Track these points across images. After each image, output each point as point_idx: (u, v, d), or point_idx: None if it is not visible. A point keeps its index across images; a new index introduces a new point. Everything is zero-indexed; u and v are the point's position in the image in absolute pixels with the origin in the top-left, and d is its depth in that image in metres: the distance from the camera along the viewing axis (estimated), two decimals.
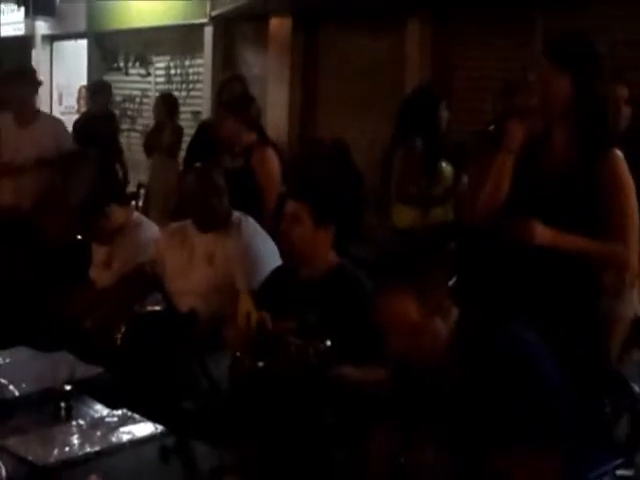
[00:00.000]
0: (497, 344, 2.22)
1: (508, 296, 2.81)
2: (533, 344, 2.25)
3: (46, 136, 5.61)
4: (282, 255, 3.47)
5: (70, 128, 7.18)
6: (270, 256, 3.56)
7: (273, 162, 4.82)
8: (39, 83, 6.02)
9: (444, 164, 4.95)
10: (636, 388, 2.72)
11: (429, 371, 2.30)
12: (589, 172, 2.72)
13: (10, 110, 5.71)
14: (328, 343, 2.70)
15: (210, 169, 3.86)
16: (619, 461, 2.55)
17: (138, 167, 8.35)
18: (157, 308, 3.69)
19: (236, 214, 3.79)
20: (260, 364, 2.79)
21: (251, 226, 3.76)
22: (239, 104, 5.02)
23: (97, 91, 8.27)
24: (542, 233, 2.70)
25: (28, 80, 5.83)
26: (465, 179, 4.78)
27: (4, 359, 3.24)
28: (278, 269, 3.29)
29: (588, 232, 2.72)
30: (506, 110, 2.91)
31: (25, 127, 5.65)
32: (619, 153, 2.75)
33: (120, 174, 7.12)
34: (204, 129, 6.07)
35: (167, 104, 7.47)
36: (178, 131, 7.40)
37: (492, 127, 2.90)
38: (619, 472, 2.55)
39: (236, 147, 4.83)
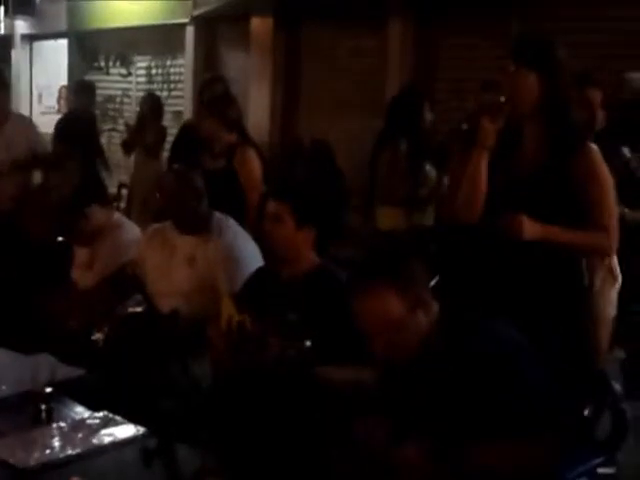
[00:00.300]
0: (479, 342, 2.23)
1: (489, 294, 2.84)
2: (515, 342, 2.27)
3: (18, 137, 5.58)
4: (264, 255, 3.47)
5: (52, 128, 7.16)
6: (252, 257, 3.56)
7: (255, 162, 4.81)
8: (7, 85, 5.97)
9: (428, 166, 4.96)
10: (617, 386, 2.73)
11: (412, 366, 2.30)
12: (562, 170, 2.79)
13: None
14: (308, 343, 2.71)
15: (189, 171, 3.84)
16: (600, 460, 2.57)
17: (119, 167, 8.32)
18: (139, 309, 3.67)
19: (217, 215, 3.78)
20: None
21: (232, 228, 3.75)
22: (219, 104, 5.01)
23: (80, 91, 8.24)
24: (530, 228, 2.75)
25: (3, 83, 5.79)
26: (446, 180, 4.80)
27: None
28: (260, 269, 3.28)
29: (564, 224, 2.77)
30: (478, 107, 2.97)
31: None
32: (593, 147, 2.84)
33: (102, 174, 7.08)
34: (186, 130, 6.04)
35: (152, 104, 7.44)
36: (162, 131, 7.37)
37: (465, 125, 2.94)
38: (601, 470, 2.57)
39: (216, 147, 4.82)
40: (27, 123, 5.97)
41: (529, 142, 2.90)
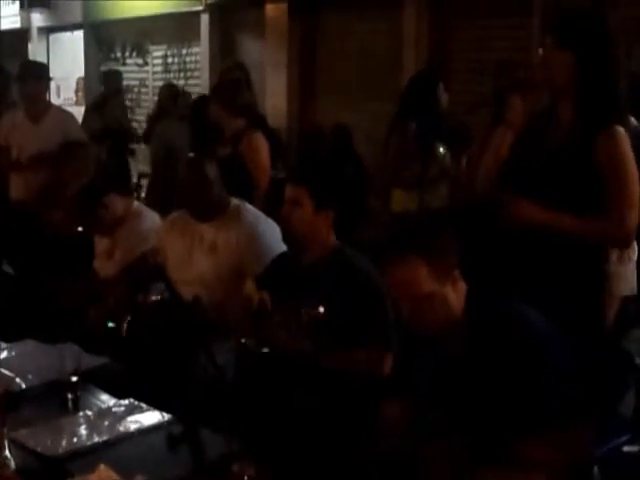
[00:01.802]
0: (511, 328, 2.23)
1: (507, 275, 2.81)
2: (544, 327, 2.26)
3: (55, 130, 5.64)
4: (284, 240, 3.47)
5: (79, 119, 7.23)
6: (274, 238, 3.56)
7: (262, 147, 4.82)
8: (49, 79, 6.05)
9: (440, 147, 4.93)
10: None
11: (437, 342, 2.31)
12: (585, 151, 2.71)
13: (22, 105, 5.75)
14: (321, 309, 2.71)
15: (200, 159, 3.84)
16: (626, 437, 2.56)
17: (137, 157, 8.34)
18: (160, 297, 3.69)
19: (234, 201, 3.78)
20: (265, 350, 2.80)
21: (251, 212, 3.76)
22: (225, 91, 5.03)
23: (107, 80, 8.34)
24: (530, 213, 2.69)
25: (39, 76, 5.84)
26: (464, 160, 4.77)
27: (10, 352, 3.25)
28: (281, 256, 3.29)
29: (584, 206, 2.71)
30: (507, 85, 2.90)
31: (37, 123, 5.70)
32: (620, 129, 2.72)
33: (129, 163, 7.13)
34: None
35: (172, 94, 7.46)
36: None
37: (492, 100, 2.90)
38: (626, 448, 2.55)
39: (225, 134, 4.85)
40: (67, 118, 6.00)
41: (563, 118, 2.80)
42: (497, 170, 2.87)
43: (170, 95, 7.36)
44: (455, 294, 2.28)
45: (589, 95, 2.73)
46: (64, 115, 6.04)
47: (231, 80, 5.55)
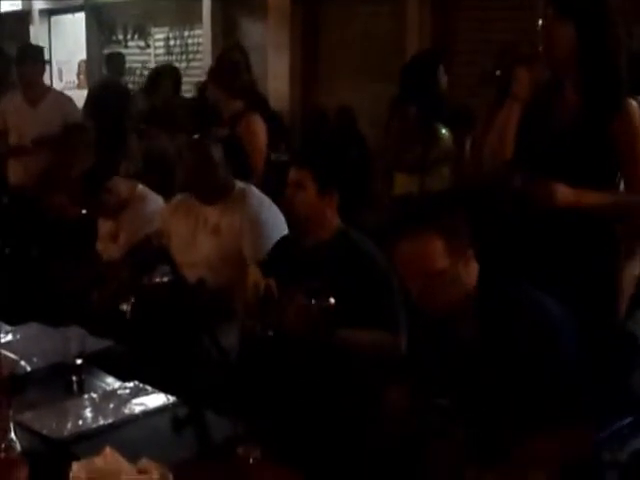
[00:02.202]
0: (522, 312, 2.22)
1: (518, 256, 2.79)
2: (556, 312, 2.25)
3: (54, 114, 5.63)
4: (288, 223, 3.47)
5: (82, 102, 7.21)
6: (277, 223, 3.55)
7: (259, 128, 4.82)
8: (46, 61, 6.03)
9: (442, 128, 4.90)
10: None
11: (446, 324, 2.31)
12: (600, 126, 2.67)
13: (20, 89, 5.74)
14: (332, 301, 2.71)
15: (203, 141, 3.83)
16: (630, 420, 2.55)
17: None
18: (165, 279, 3.69)
19: (240, 184, 3.77)
20: (270, 333, 2.80)
21: (256, 195, 3.75)
22: (223, 72, 5.02)
23: (110, 63, 8.34)
24: (564, 194, 2.63)
25: (35, 59, 5.83)
26: (468, 142, 4.74)
27: (15, 335, 3.26)
28: (284, 238, 3.29)
29: (603, 185, 2.68)
30: (513, 58, 2.85)
31: (34, 106, 5.69)
32: (633, 102, 2.69)
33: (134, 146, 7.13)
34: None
35: (172, 78, 7.44)
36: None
37: (498, 72, 2.85)
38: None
39: (223, 116, 4.85)
40: (65, 101, 5.99)
41: (568, 93, 2.77)
42: (504, 149, 2.83)
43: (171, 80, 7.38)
44: (467, 274, 2.28)
45: (592, 68, 2.69)
46: (62, 98, 6.02)
47: (229, 62, 5.55)
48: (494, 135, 2.85)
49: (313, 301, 2.72)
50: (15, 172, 5.75)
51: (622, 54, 2.74)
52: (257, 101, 5.06)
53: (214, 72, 5.16)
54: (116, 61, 8.47)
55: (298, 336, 2.76)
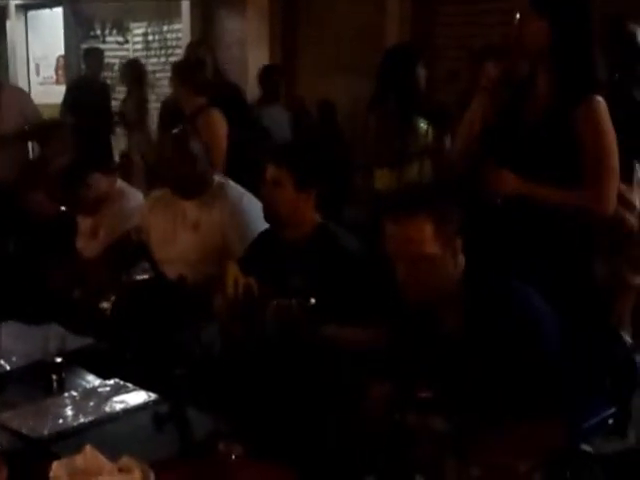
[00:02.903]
0: (506, 305, 2.24)
1: (496, 248, 2.81)
2: (541, 306, 2.27)
3: (10, 109, 5.57)
4: (266, 218, 3.45)
5: (50, 99, 7.17)
6: (258, 216, 3.53)
7: (218, 124, 4.87)
8: None
9: (421, 123, 4.88)
10: (628, 338, 2.73)
11: (431, 316, 2.32)
12: (564, 120, 2.71)
13: None
14: (313, 301, 2.71)
15: (182, 135, 3.81)
16: (612, 410, 2.57)
17: (119, 136, 8.29)
18: (145, 276, 3.67)
19: (217, 179, 3.76)
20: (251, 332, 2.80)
21: (235, 189, 3.74)
22: (185, 69, 5.05)
23: (88, 58, 8.30)
24: (511, 182, 2.71)
25: None
26: (448, 139, 4.74)
27: None
28: (263, 233, 3.27)
29: (564, 177, 2.71)
30: (481, 50, 2.91)
31: None
32: (599, 99, 2.73)
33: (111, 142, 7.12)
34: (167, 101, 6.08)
35: (133, 72, 7.45)
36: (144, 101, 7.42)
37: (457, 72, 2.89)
38: (612, 421, 2.57)
39: (185, 112, 4.88)
40: (21, 95, 5.94)
41: (541, 86, 2.81)
42: (472, 141, 2.87)
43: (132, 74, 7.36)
44: (454, 263, 2.30)
45: (564, 64, 2.74)
46: (17, 93, 5.97)
47: (191, 58, 5.58)
48: (463, 128, 2.89)
49: (294, 301, 2.71)
50: None
51: (595, 50, 2.79)
52: (223, 96, 5.08)
53: (178, 68, 5.19)
54: (94, 56, 8.43)
55: (279, 336, 2.76)
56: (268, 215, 3.08)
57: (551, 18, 2.71)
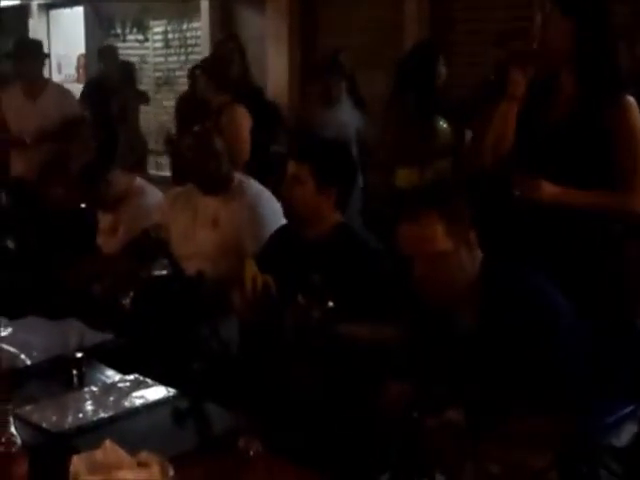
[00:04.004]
0: (529, 300, 2.23)
1: (522, 247, 2.80)
2: (559, 300, 2.26)
3: (53, 107, 5.64)
4: (285, 215, 3.45)
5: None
6: (277, 215, 3.53)
7: (242, 121, 4.85)
8: (45, 55, 6.04)
9: (440, 121, 4.86)
10: None
11: (448, 313, 2.32)
12: (595, 123, 2.68)
13: (19, 82, 5.74)
14: (331, 304, 2.70)
15: (206, 132, 3.82)
16: (631, 408, 2.55)
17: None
18: (164, 272, 3.69)
19: (238, 176, 3.78)
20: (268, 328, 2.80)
21: (254, 187, 3.75)
22: (213, 65, 5.04)
23: (104, 56, 8.36)
24: (548, 191, 2.68)
25: (35, 54, 5.83)
26: (468, 134, 4.72)
27: (14, 329, 3.25)
28: (281, 229, 3.26)
29: (596, 180, 2.69)
30: (507, 57, 2.88)
31: (33, 99, 5.68)
32: (631, 100, 2.70)
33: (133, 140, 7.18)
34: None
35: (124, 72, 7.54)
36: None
37: (492, 77, 2.88)
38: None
39: (211, 107, 4.87)
40: (64, 94, 5.99)
41: (565, 88, 2.78)
42: (502, 146, 2.86)
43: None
44: (469, 259, 2.30)
45: (591, 65, 2.71)
46: (61, 91, 6.03)
47: (220, 54, 5.56)
48: (493, 134, 2.88)
49: (312, 303, 2.71)
50: (16, 166, 5.75)
51: (619, 50, 2.78)
52: (248, 93, 5.07)
53: (206, 64, 5.18)
54: (108, 54, 8.47)
55: (296, 336, 2.76)
56: (287, 212, 3.07)
57: (577, 17, 2.69)
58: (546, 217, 2.76)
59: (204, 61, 5.35)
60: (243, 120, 4.87)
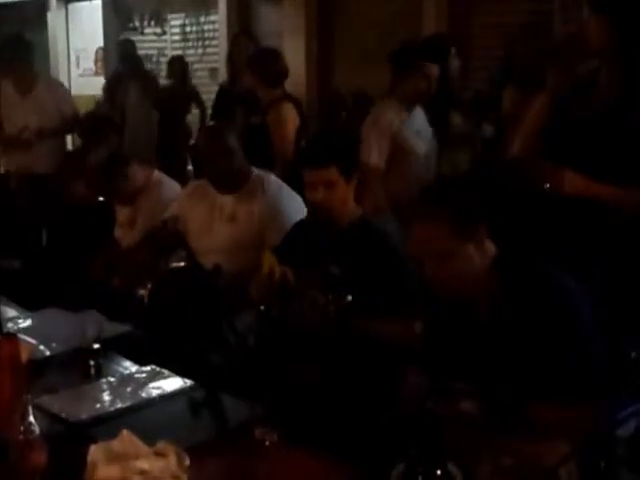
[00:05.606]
0: (546, 293, 2.22)
1: (541, 239, 2.78)
2: (576, 293, 2.25)
3: (47, 102, 5.65)
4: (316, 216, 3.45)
5: (91, 90, 7.27)
6: (297, 210, 3.53)
7: (288, 117, 4.78)
8: (29, 50, 5.99)
9: (454, 113, 4.84)
10: None
11: (464, 307, 2.32)
12: (635, 118, 2.66)
13: (10, 78, 5.74)
14: (349, 298, 2.71)
15: (220, 128, 3.81)
16: None
17: None
18: (181, 264, 3.70)
19: (257, 172, 3.75)
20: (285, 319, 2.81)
21: (275, 182, 3.73)
22: (257, 59, 4.99)
23: (121, 49, 8.41)
24: (573, 182, 2.66)
25: (25, 56, 5.82)
26: (486, 127, 4.70)
27: (34, 320, 3.29)
28: (299, 222, 3.28)
29: (629, 173, 2.67)
30: (543, 53, 2.88)
31: (26, 94, 5.69)
32: None
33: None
34: (223, 90, 6.04)
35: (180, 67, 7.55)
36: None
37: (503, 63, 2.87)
38: None
39: (260, 103, 4.82)
40: (58, 87, 6.00)
41: (605, 81, 2.76)
42: (535, 138, 2.85)
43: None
44: (479, 255, 2.29)
45: (631, 60, 2.69)
46: (53, 84, 6.04)
47: (265, 50, 5.51)
48: (525, 127, 2.86)
49: (330, 297, 2.72)
50: (22, 160, 5.76)
51: None
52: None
53: (251, 60, 5.12)
54: (125, 48, 8.51)
55: (314, 331, 2.77)
56: (321, 215, 3.06)
57: (611, 16, 2.67)
58: (576, 210, 2.74)
59: (250, 58, 5.22)
60: (290, 117, 4.78)
